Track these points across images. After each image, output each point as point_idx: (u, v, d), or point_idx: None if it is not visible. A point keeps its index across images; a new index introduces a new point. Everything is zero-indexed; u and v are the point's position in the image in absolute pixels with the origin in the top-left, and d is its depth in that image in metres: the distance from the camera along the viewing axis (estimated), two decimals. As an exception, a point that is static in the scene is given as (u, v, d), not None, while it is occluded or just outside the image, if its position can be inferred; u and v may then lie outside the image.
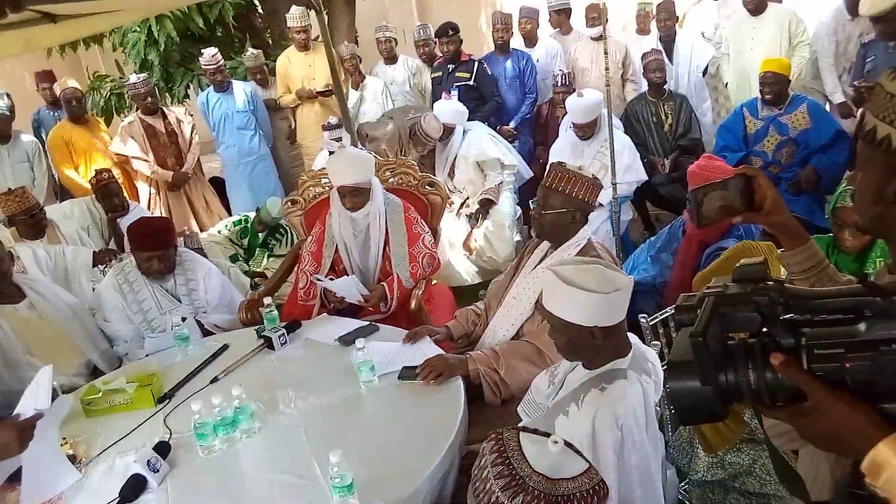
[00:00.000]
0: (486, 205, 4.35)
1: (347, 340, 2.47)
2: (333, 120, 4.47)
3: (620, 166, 3.97)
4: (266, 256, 4.63)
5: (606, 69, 3.69)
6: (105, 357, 2.92)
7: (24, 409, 1.76)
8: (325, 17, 3.76)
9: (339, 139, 4.28)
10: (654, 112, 4.78)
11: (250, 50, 5.76)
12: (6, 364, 2.41)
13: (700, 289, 0.92)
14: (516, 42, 5.45)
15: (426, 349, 2.35)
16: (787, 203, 1.25)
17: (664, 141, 4.79)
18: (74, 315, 2.93)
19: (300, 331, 2.64)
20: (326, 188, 3.31)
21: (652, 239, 3.38)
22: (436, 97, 5.03)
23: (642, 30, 5.62)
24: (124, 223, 3.92)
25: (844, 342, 0.82)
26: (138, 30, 6.09)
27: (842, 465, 1.09)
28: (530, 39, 5.48)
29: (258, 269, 4.50)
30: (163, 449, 1.92)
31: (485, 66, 5.12)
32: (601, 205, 3.94)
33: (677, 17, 5.44)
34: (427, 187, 3.35)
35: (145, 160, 5.02)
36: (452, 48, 5.08)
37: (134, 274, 2.94)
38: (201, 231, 4.91)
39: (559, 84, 4.81)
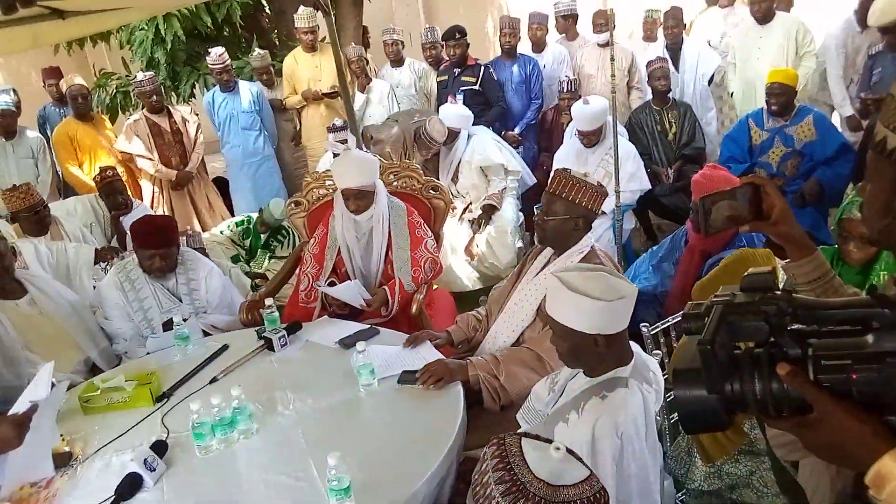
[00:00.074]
0: (489, 210, 4.35)
1: (348, 343, 2.46)
2: (339, 122, 4.46)
3: (624, 174, 3.96)
4: (267, 258, 4.63)
5: (613, 76, 3.69)
6: (104, 355, 2.91)
7: (21, 406, 1.76)
8: (333, 19, 3.76)
9: (344, 141, 4.27)
10: (657, 121, 4.77)
11: (257, 50, 5.77)
12: (5, 361, 2.41)
13: (699, 298, 0.92)
14: (523, 47, 5.45)
15: (426, 354, 2.34)
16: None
17: (668, 150, 4.78)
18: (75, 312, 2.92)
19: (300, 333, 2.64)
20: (330, 190, 3.31)
21: (654, 248, 3.37)
22: (441, 101, 5.04)
23: (649, 37, 5.62)
24: (127, 221, 3.92)
25: (852, 353, 0.82)
26: (146, 28, 6.10)
27: (843, 477, 1.09)
28: (538, 45, 5.47)
29: (259, 271, 4.49)
30: (160, 448, 1.91)
31: (491, 71, 5.12)
32: (604, 213, 3.93)
33: (684, 25, 5.44)
34: (431, 191, 3.34)
35: (150, 158, 5.02)
36: (459, 52, 5.09)
37: (136, 272, 2.94)
38: (203, 231, 4.90)
39: (565, 90, 4.81)
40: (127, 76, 6.54)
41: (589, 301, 1.53)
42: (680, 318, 2.33)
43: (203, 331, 2.86)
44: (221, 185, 5.68)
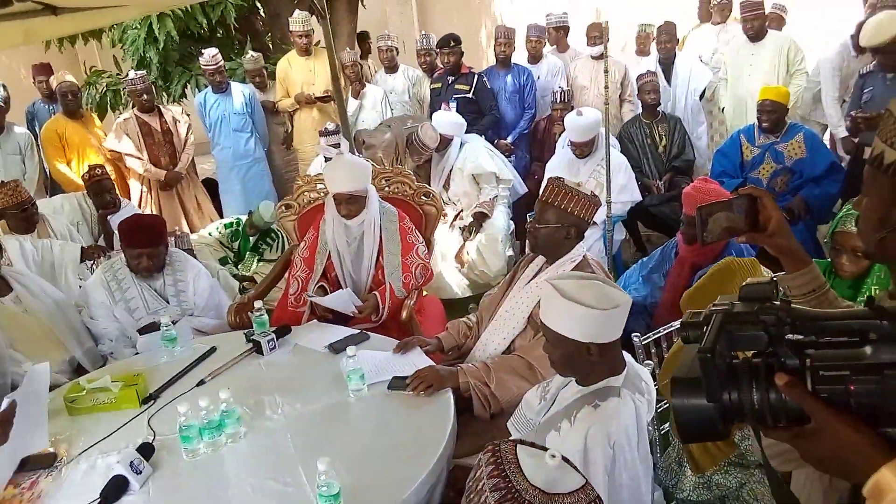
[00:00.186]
0: (480, 218, 4.35)
1: (337, 348, 2.45)
2: (331, 126, 4.46)
3: (616, 186, 3.98)
4: (256, 261, 4.61)
5: (606, 87, 3.71)
6: (89, 355, 2.88)
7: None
8: (329, 23, 3.76)
9: (336, 145, 4.26)
10: (647, 134, 4.81)
11: (250, 52, 5.75)
12: (-11, 358, 2.38)
13: (687, 307, 0.92)
14: (520, 58, 5.48)
15: (416, 360, 2.33)
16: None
17: (658, 162, 4.81)
18: (60, 311, 2.89)
19: (289, 336, 2.62)
20: (322, 194, 3.30)
21: (644, 259, 3.39)
22: (434, 108, 5.05)
23: (642, 51, 5.66)
24: (115, 221, 3.89)
25: (850, 365, 0.82)
26: (139, 27, 6.06)
27: (836, 490, 1.09)
28: (535, 57, 5.50)
29: (247, 274, 4.47)
30: (146, 450, 1.89)
31: (484, 79, 5.14)
32: (595, 223, 3.95)
33: (677, 40, 5.49)
34: (422, 197, 3.34)
35: (139, 158, 4.98)
36: (453, 59, 5.10)
37: (123, 271, 2.91)
38: (191, 232, 4.87)
39: (558, 101, 4.84)
40: (118, 75, 6.50)
41: (583, 309, 1.53)
42: (671, 329, 2.35)
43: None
44: (211, 186, 5.64)
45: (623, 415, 1.57)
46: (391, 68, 5.62)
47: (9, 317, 2.69)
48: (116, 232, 3.54)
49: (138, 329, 2.83)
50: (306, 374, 2.35)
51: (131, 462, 1.80)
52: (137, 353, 2.71)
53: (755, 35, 4.94)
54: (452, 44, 5.08)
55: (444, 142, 4.41)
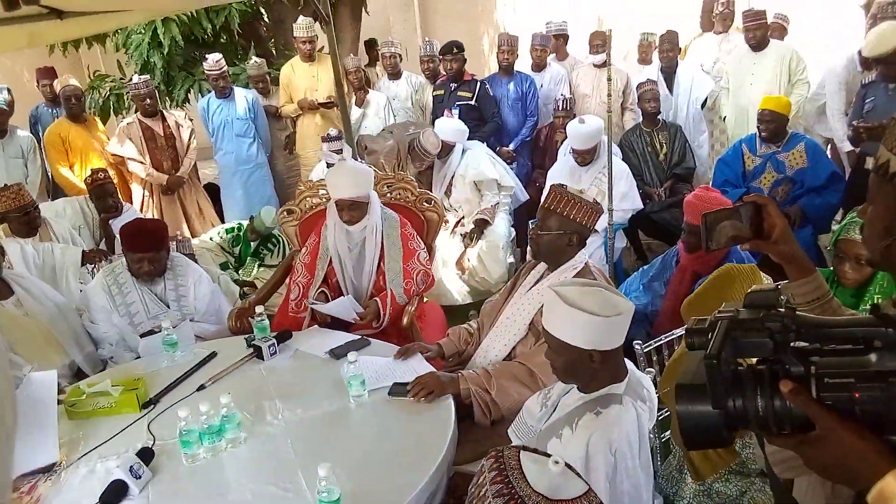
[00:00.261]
0: (482, 225, 4.35)
1: (338, 353, 2.45)
2: (333, 132, 4.47)
3: (617, 193, 3.99)
4: (256, 266, 4.60)
5: (609, 95, 3.72)
6: (89, 359, 2.88)
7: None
8: (333, 29, 3.77)
9: (339, 151, 4.27)
10: (648, 142, 4.82)
11: (254, 58, 5.77)
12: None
13: (688, 313, 0.92)
14: (523, 66, 5.49)
15: (417, 366, 2.33)
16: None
17: (659, 170, 4.82)
18: (61, 314, 2.89)
19: (290, 342, 2.61)
20: (324, 199, 3.30)
21: (645, 267, 3.39)
22: (437, 114, 5.06)
23: (644, 59, 5.68)
24: (116, 225, 3.89)
25: (855, 372, 0.82)
26: (143, 31, 6.09)
27: (838, 497, 1.08)
28: (539, 66, 5.51)
29: (248, 279, 4.46)
30: (146, 455, 1.88)
31: (487, 86, 5.16)
32: (596, 231, 3.95)
33: (679, 49, 5.51)
34: (424, 203, 3.34)
35: (141, 162, 4.99)
36: (456, 66, 5.11)
37: (124, 276, 2.91)
38: (192, 237, 4.87)
39: (560, 108, 4.85)
40: (121, 79, 6.51)
41: (586, 316, 1.53)
42: (672, 337, 2.35)
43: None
44: (213, 191, 5.65)
45: (625, 422, 1.57)
46: (394, 75, 5.65)
47: (10, 320, 2.69)
48: (118, 236, 3.54)
49: (140, 333, 2.82)
50: (307, 380, 2.34)
51: (131, 466, 1.79)
52: (138, 358, 2.70)
53: (757, 44, 4.96)
54: (455, 51, 5.10)
55: (447, 148, 4.42)
